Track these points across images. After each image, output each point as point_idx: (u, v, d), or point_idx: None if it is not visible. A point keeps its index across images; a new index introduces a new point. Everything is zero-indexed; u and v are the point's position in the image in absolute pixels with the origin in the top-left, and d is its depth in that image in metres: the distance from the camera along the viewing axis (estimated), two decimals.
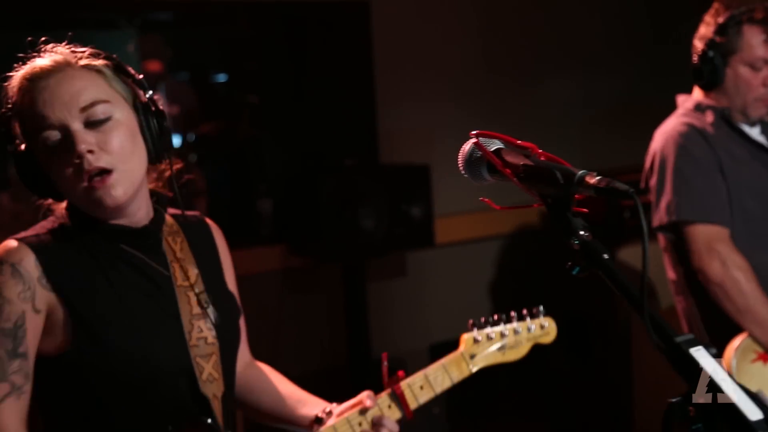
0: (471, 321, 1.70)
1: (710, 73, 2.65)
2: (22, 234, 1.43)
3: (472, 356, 1.69)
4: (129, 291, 1.45)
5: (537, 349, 3.87)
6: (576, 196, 1.05)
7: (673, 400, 0.98)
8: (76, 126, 1.33)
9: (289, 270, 3.74)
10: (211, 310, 1.54)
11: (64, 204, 1.46)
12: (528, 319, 1.75)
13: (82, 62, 1.39)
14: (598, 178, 1.01)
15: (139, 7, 3.95)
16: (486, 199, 1.26)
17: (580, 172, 1.04)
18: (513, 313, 1.72)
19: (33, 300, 1.38)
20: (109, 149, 1.34)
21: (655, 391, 3.36)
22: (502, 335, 1.73)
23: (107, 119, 1.35)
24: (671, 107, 2.84)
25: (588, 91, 4.69)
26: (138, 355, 1.42)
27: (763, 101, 2.62)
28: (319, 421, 1.60)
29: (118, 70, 1.43)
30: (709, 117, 2.69)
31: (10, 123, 1.41)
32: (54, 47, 1.41)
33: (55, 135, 1.34)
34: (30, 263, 1.38)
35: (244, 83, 4.29)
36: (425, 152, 4.12)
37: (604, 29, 4.75)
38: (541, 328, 1.77)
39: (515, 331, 1.73)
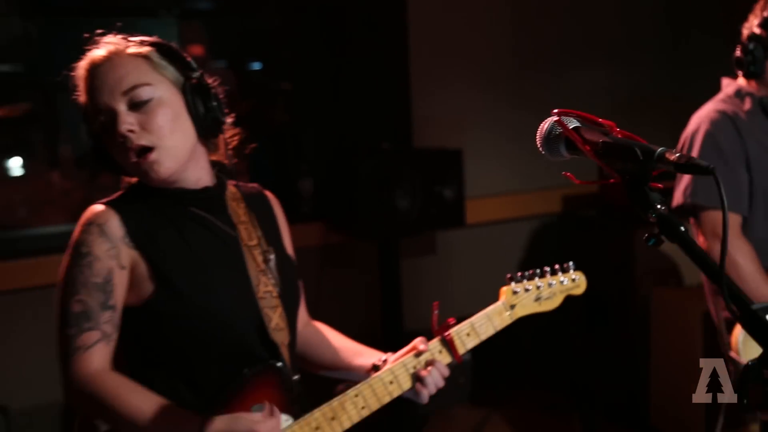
0: (509, 275, 1.75)
1: (750, 63, 2.61)
2: (106, 199, 1.48)
3: (512, 306, 1.74)
4: (201, 248, 1.49)
5: (559, 324, 3.96)
6: (655, 172, 1.06)
7: (750, 362, 1.02)
8: (120, 108, 1.40)
9: (327, 246, 3.85)
10: (273, 267, 1.59)
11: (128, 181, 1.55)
12: (560, 273, 1.78)
13: (130, 50, 1.44)
14: (677, 155, 1.02)
15: None
16: (568, 174, 1.29)
17: (660, 149, 1.05)
18: (546, 268, 1.76)
19: (118, 257, 1.42)
20: (150, 128, 1.39)
21: (671, 366, 3.44)
22: (538, 287, 1.76)
23: (149, 100, 1.41)
24: (691, 99, 2.81)
25: (611, 81, 4.67)
26: (213, 305, 1.47)
27: None
28: (376, 368, 1.64)
29: (166, 54, 1.47)
30: (747, 104, 2.68)
31: (83, 108, 1.48)
32: (107, 37, 1.48)
33: (104, 118, 1.41)
34: (114, 224, 1.43)
35: (279, 70, 4.40)
36: (457, 137, 4.14)
37: (628, 22, 4.74)
38: (573, 281, 1.80)
39: (549, 284, 1.77)
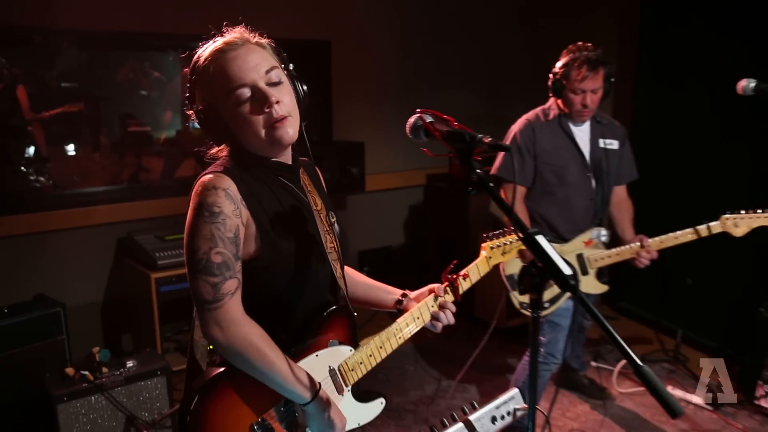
0: (484, 234, 1.85)
1: (554, 90, 2.88)
2: (217, 168, 1.42)
3: (489, 258, 1.83)
4: (291, 211, 1.48)
5: (418, 254, 4.50)
6: (476, 149, 1.20)
7: (526, 263, 1.22)
8: (262, 85, 1.37)
9: None
10: (335, 226, 1.59)
11: (225, 152, 1.49)
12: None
13: (254, 40, 1.43)
14: (489, 139, 1.20)
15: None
16: (425, 149, 1.40)
17: (479, 135, 1.21)
18: (507, 229, 1.87)
19: (240, 216, 1.38)
20: (283, 102, 1.38)
21: (487, 275, 3.90)
22: (505, 244, 1.85)
23: (279, 82, 1.39)
24: (509, 112, 3.37)
25: (464, 97, 5.21)
26: (303, 260, 1.45)
27: (581, 114, 2.84)
28: (399, 302, 1.71)
29: (273, 49, 1.46)
30: (551, 115, 2.93)
31: (194, 88, 1.43)
32: (236, 28, 1.44)
33: (247, 92, 1.36)
34: (234, 188, 1.38)
35: None
36: (361, 133, 4.67)
37: (478, 61, 5.30)
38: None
39: (511, 241, 1.85)
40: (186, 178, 4.45)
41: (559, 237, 2.95)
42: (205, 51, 1.40)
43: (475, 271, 1.78)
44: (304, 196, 1.52)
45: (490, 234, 1.87)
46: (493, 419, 1.41)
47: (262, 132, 1.37)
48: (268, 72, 1.38)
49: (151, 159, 4.46)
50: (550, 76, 2.84)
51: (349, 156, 4.39)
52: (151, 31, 3.96)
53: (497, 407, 1.42)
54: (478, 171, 1.22)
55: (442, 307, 1.64)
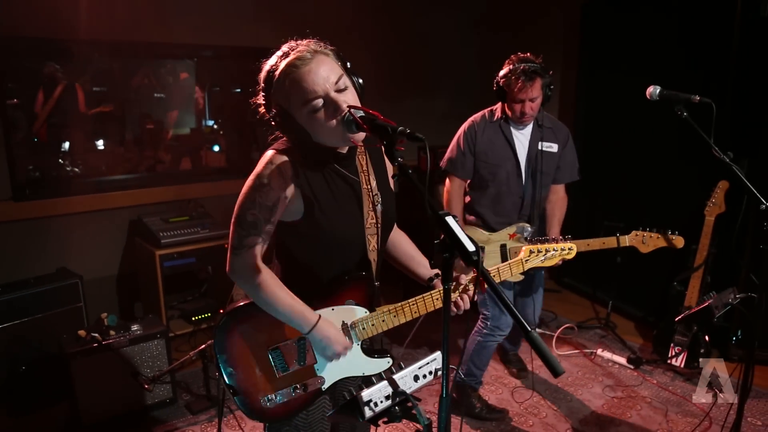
0: (529, 238, 1.86)
1: (497, 96, 2.81)
2: (280, 147, 1.47)
3: (527, 260, 1.78)
4: (337, 192, 1.52)
5: None
6: (398, 140, 1.21)
7: (437, 240, 1.17)
8: (334, 95, 1.38)
9: None
10: (379, 206, 1.58)
11: (283, 138, 1.50)
12: (561, 242, 1.88)
13: (321, 50, 1.42)
14: (408, 131, 1.21)
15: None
16: (353, 140, 1.41)
17: (400, 128, 1.21)
18: (554, 237, 1.90)
19: (285, 190, 1.44)
20: (350, 104, 1.37)
21: None
22: (547, 251, 1.80)
23: (346, 88, 1.41)
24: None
25: (430, 102, 5.21)
26: (336, 233, 1.51)
27: (521, 120, 2.76)
28: (431, 279, 1.72)
29: (335, 54, 1.46)
30: (495, 117, 2.88)
31: (270, 97, 1.44)
32: (304, 41, 1.44)
33: (320, 102, 1.38)
34: (287, 166, 1.44)
35: None
36: None
37: (443, 70, 5.27)
38: (569, 250, 1.83)
39: (554, 250, 1.80)
40: (187, 170, 4.53)
41: (488, 227, 2.91)
42: (278, 63, 1.42)
43: (505, 270, 1.75)
44: (355, 177, 1.55)
45: (536, 239, 1.87)
46: (416, 378, 1.44)
47: (338, 132, 1.39)
48: (336, 82, 1.39)
49: (163, 152, 4.51)
50: (494, 83, 2.79)
51: None
52: (168, 42, 3.98)
53: (420, 367, 1.44)
54: (399, 159, 1.23)
55: (463, 294, 1.62)
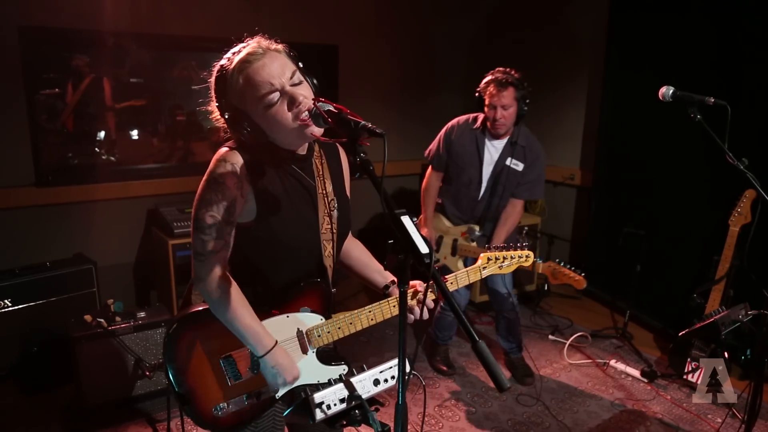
0: (487, 245, 1.86)
1: (477, 103, 3.01)
2: (233, 144, 1.43)
3: (484, 268, 1.76)
4: (292, 193, 1.47)
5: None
6: (360, 136, 1.18)
7: (390, 241, 1.30)
8: (289, 88, 1.36)
9: None
10: (335, 211, 1.54)
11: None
12: (519, 250, 1.82)
13: (273, 47, 1.40)
14: (370, 126, 1.18)
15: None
16: (314, 134, 1.36)
17: (362, 122, 1.19)
18: (512, 244, 1.82)
19: (241, 189, 1.39)
20: (306, 98, 1.35)
21: None
22: (505, 258, 1.78)
23: (300, 82, 1.38)
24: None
25: (447, 100, 5.18)
26: (289, 236, 1.46)
27: (495, 126, 2.89)
28: (387, 287, 1.69)
29: (287, 52, 1.43)
30: (476, 124, 3.07)
31: (223, 97, 1.40)
32: (255, 39, 1.41)
33: (276, 96, 1.34)
34: (241, 164, 1.39)
35: None
36: None
37: (449, 67, 5.27)
38: (526, 257, 1.81)
39: (512, 257, 1.80)
40: (208, 161, 4.48)
41: (447, 218, 3.20)
42: (230, 63, 1.39)
43: (463, 277, 1.72)
44: (311, 181, 1.52)
45: (493, 245, 1.80)
46: (376, 382, 1.39)
47: (293, 127, 1.36)
48: (291, 77, 1.37)
49: (197, 143, 4.53)
50: (476, 93, 2.94)
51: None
52: (202, 35, 4.01)
53: (381, 371, 1.40)
54: (362, 155, 1.20)
55: (419, 302, 1.58)
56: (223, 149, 1.43)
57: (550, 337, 3.99)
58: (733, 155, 1.99)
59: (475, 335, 1.10)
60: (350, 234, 1.72)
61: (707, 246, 3.45)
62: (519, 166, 3.01)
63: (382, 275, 1.72)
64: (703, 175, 3.65)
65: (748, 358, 3.17)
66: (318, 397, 1.30)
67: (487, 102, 2.86)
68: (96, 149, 4.04)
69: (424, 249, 1.08)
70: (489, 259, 1.76)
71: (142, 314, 3.05)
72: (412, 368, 1.25)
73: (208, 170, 1.41)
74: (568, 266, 2.69)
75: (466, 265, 3.02)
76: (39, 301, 3.27)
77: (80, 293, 3.43)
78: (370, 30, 4.74)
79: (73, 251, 3.73)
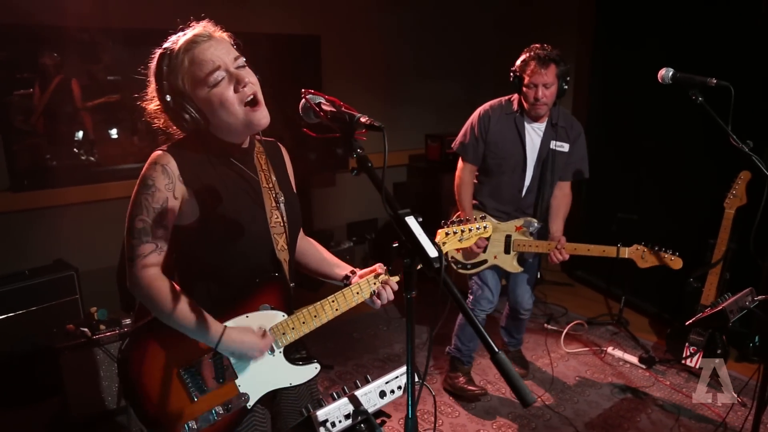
0: (443, 221, 1.71)
1: (513, 85, 2.71)
2: (166, 146, 1.39)
3: (443, 243, 1.70)
4: (234, 188, 1.42)
5: None
6: (356, 130, 1.12)
7: (395, 244, 1.05)
8: (234, 69, 1.33)
9: None
10: (282, 204, 1.50)
11: (181, 134, 1.43)
12: (476, 221, 1.76)
13: (217, 34, 1.38)
14: (366, 119, 1.11)
15: None
16: (306, 129, 1.28)
17: (358, 115, 1.12)
18: (468, 218, 1.76)
19: (173, 190, 1.35)
20: (252, 83, 1.34)
21: None
22: (462, 231, 1.72)
23: (245, 66, 1.36)
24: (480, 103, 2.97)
25: (444, 88, 5.15)
26: (238, 231, 1.40)
27: (535, 107, 2.68)
28: (347, 278, 1.63)
29: (234, 41, 1.40)
30: (512, 108, 2.82)
31: (164, 80, 1.35)
32: (201, 23, 1.40)
33: (222, 74, 1.31)
34: (173, 165, 1.35)
35: None
36: None
37: (455, 57, 5.22)
38: (484, 228, 1.77)
39: (469, 229, 1.73)
40: None
41: (489, 215, 2.92)
42: (174, 44, 1.35)
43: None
44: (254, 175, 1.47)
45: (449, 221, 1.75)
46: (382, 394, 1.29)
47: (239, 110, 1.33)
48: (237, 58, 1.35)
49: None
50: (511, 73, 2.73)
51: (335, 139, 4.27)
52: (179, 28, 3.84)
53: (387, 382, 1.29)
54: (359, 150, 1.11)
55: (384, 284, 1.55)
56: (156, 152, 1.38)
57: (546, 326, 3.93)
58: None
59: (494, 345, 1.00)
60: (302, 232, 1.68)
61: (702, 229, 3.40)
62: (564, 148, 2.80)
63: (339, 267, 1.68)
64: (697, 158, 3.58)
65: (756, 345, 3.14)
66: (321, 414, 1.20)
67: (526, 81, 2.63)
68: (74, 150, 3.87)
69: (432, 252, 0.98)
70: (447, 234, 1.71)
71: (127, 321, 2.90)
72: (423, 379, 1.15)
73: (140, 174, 1.36)
74: (658, 248, 2.64)
75: (521, 262, 2.92)
76: (19, 311, 3.11)
77: (62, 301, 3.27)
78: (352, 20, 4.61)
79: (53, 257, 3.58)
